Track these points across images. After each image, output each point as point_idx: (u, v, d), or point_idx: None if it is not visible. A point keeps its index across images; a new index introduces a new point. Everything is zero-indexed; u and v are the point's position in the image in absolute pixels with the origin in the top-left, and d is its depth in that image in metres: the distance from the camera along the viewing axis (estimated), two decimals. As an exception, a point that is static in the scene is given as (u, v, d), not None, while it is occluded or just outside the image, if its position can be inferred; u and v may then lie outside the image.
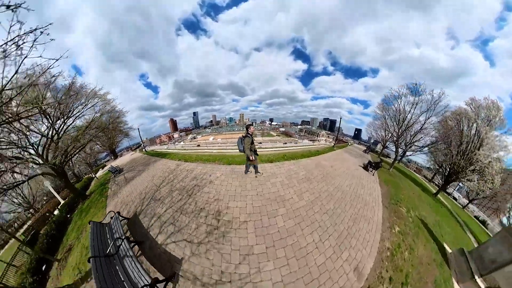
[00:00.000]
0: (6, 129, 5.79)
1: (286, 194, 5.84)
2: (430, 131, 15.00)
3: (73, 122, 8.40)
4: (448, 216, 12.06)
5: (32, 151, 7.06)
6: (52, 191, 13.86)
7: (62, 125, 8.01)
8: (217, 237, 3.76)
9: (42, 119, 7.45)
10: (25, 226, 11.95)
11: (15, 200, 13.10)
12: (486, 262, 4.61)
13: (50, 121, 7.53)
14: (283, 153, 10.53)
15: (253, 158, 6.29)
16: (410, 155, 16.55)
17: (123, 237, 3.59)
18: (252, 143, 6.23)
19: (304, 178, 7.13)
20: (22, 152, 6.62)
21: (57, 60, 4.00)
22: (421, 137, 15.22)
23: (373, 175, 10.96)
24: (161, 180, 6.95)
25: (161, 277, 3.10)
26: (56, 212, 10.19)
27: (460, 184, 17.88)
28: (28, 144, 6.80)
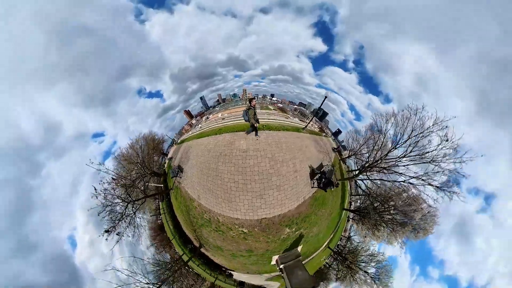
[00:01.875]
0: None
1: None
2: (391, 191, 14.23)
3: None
4: (333, 228, 15.03)
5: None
6: (155, 184, 27.84)
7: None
8: (187, 160, 14.47)
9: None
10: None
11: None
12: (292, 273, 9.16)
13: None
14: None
15: (256, 125, 7.31)
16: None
17: (177, 167, 14.80)
18: (255, 113, 7.00)
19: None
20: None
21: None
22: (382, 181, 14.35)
23: (311, 187, 9.76)
24: (182, 152, 17.86)
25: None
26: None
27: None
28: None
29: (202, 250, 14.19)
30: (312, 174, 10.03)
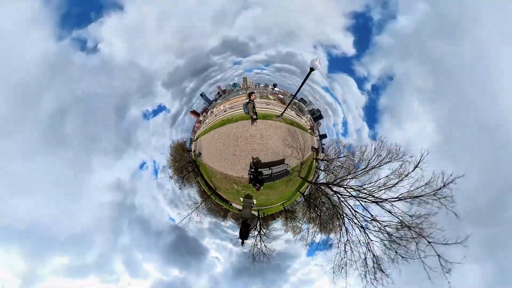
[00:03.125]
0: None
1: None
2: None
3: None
4: (285, 199, 20.37)
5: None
6: (191, 168, 44.29)
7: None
8: (202, 148, 29.46)
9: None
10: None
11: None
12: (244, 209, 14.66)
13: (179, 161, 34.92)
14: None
15: (255, 118, 8.93)
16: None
17: (198, 152, 30.04)
18: (254, 107, 8.17)
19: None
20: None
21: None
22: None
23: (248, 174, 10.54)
24: (198, 144, 32.57)
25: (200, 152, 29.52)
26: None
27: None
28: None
29: (217, 191, 29.55)
30: (250, 166, 10.44)
